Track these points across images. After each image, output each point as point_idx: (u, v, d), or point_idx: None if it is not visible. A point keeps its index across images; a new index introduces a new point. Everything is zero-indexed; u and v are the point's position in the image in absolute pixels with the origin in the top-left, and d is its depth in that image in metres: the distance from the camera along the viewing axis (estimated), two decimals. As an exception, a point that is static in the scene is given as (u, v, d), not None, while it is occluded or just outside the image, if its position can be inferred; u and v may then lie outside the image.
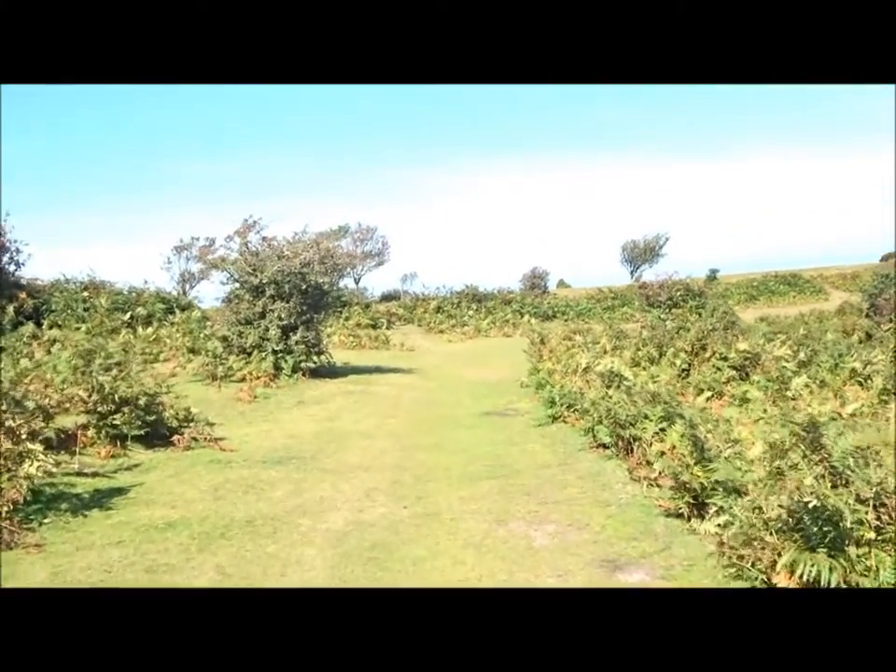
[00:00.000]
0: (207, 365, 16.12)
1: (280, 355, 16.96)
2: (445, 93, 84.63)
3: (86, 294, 26.47)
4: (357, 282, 49.54)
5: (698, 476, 6.68)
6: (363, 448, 10.44)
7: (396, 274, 71.89)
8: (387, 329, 32.38)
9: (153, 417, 9.92)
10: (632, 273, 53.32)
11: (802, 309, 38.11)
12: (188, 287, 42.97)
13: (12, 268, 24.40)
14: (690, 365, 16.95)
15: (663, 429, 9.19)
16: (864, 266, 55.21)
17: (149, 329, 23.99)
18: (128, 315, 25.27)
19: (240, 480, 8.55)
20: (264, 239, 17.42)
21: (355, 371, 19.16)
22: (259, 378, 16.15)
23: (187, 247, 38.39)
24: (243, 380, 16.17)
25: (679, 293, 22.40)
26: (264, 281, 16.74)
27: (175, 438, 9.99)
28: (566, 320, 37.26)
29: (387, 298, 44.24)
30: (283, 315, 16.82)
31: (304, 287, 17.03)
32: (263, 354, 16.92)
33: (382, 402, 14.52)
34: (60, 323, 24.21)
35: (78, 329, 22.91)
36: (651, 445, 8.97)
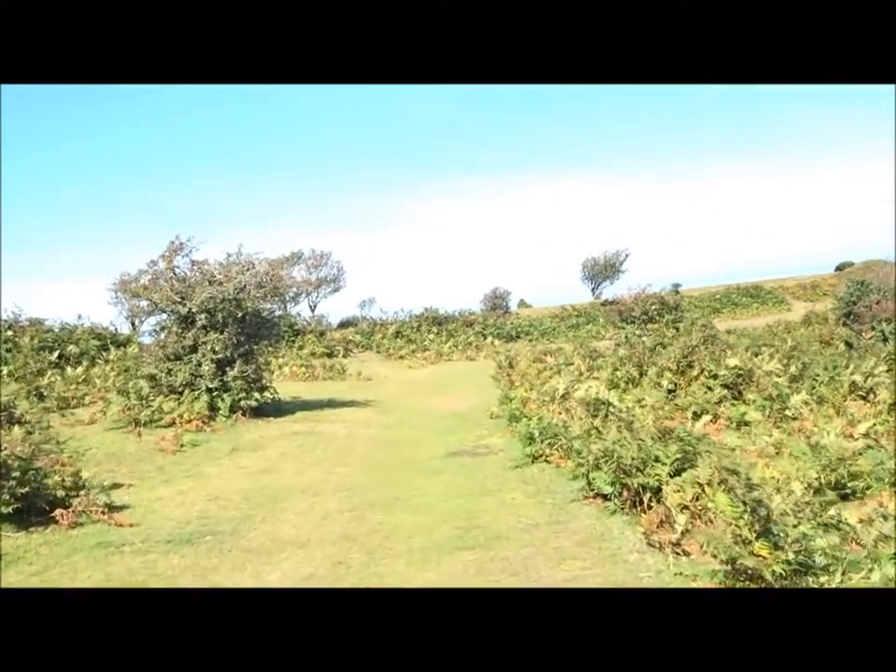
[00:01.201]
0: (128, 409, 13.72)
1: (215, 393, 14.64)
2: (391, 115, 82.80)
3: (10, 333, 23.87)
4: (312, 309, 47.12)
5: (765, 559, 4.55)
6: (302, 512, 8.17)
7: (353, 301, 69.56)
8: (344, 357, 30.05)
9: (26, 489, 7.56)
10: (593, 290, 51.65)
11: (766, 320, 36.79)
12: (137, 321, 40.38)
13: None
14: (676, 385, 14.99)
15: (678, 472, 7.12)
16: (821, 276, 54.57)
17: (79, 369, 21.44)
18: (56, 354, 22.72)
19: (127, 574, 6.25)
20: (194, 263, 15.12)
21: (304, 407, 16.85)
22: (190, 421, 13.81)
23: (134, 280, 35.94)
24: (172, 424, 13.83)
25: (654, 307, 20.53)
26: (193, 310, 14.42)
27: (58, 513, 7.64)
28: (530, 340, 35.36)
29: (345, 325, 41.91)
30: (217, 348, 14.51)
31: (240, 314, 14.75)
32: (196, 393, 14.58)
33: (331, 445, 12.25)
34: (-22, 366, 21.59)
35: (0, 371, 20.35)
36: (666, 496, 6.89)
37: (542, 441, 10.15)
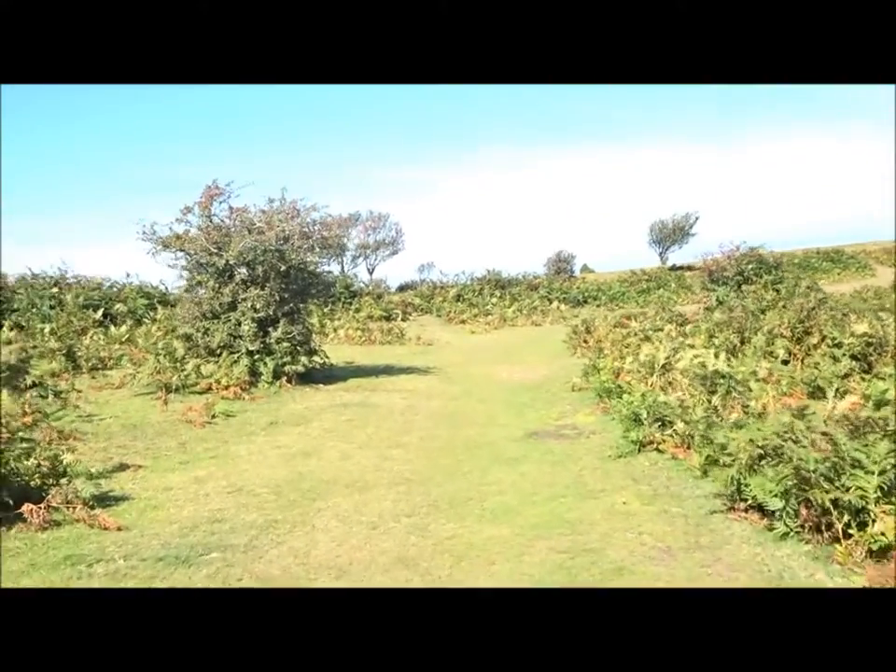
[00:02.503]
0: (159, 372, 11.79)
1: (257, 356, 12.63)
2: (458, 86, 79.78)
3: (55, 290, 22.34)
4: (370, 272, 45.21)
5: None
6: (345, 517, 6.02)
7: (412, 265, 67.41)
8: (402, 320, 27.99)
9: (-17, 477, 5.59)
10: (661, 254, 48.56)
11: (851, 286, 33.46)
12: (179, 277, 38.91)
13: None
14: (791, 354, 12.46)
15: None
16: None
17: (122, 328, 19.76)
18: (100, 312, 21.10)
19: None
20: (232, 210, 13.04)
21: (358, 374, 14.79)
22: (228, 387, 11.84)
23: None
24: (208, 390, 11.88)
25: (750, 267, 17.87)
26: (231, 262, 12.36)
27: (26, 508, 5.65)
28: (598, 305, 32.84)
29: (403, 288, 39.82)
30: (258, 306, 12.46)
31: (284, 268, 12.64)
32: (235, 356, 12.59)
33: (386, 420, 10.10)
34: (22, 323, 20.07)
35: (42, 329, 18.79)
36: (878, 522, 4.56)
37: (651, 424, 7.84)
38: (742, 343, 13.73)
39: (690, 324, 16.79)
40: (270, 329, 12.69)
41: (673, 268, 43.96)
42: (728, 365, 11.08)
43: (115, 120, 66.44)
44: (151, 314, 22.33)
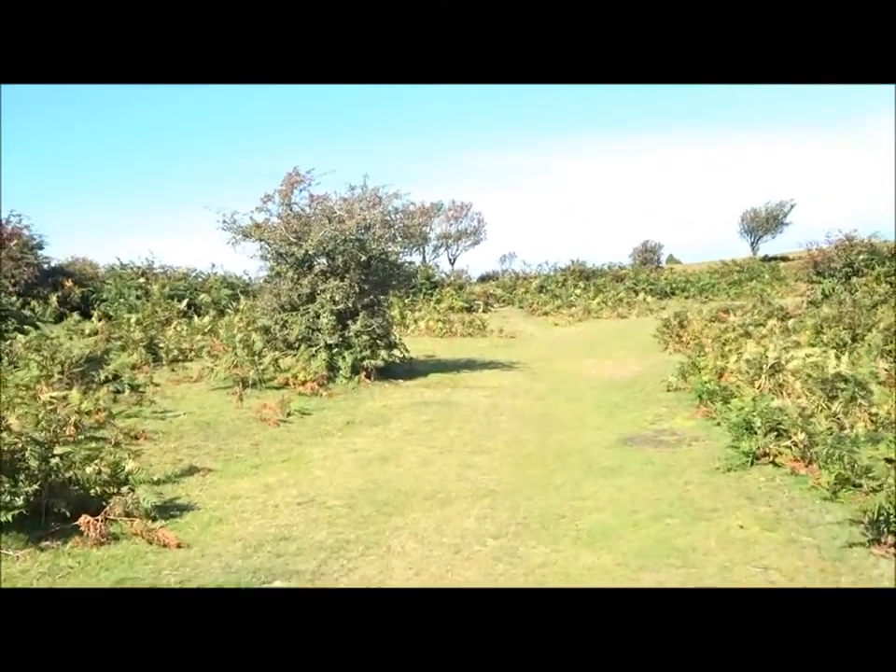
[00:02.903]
0: (236, 366, 11.43)
1: (335, 350, 12.15)
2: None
3: (142, 280, 22.51)
4: (452, 262, 44.61)
5: None
6: (424, 536, 5.38)
7: (494, 256, 66.56)
8: (484, 312, 27.28)
9: (36, 485, 5.17)
10: (752, 244, 46.38)
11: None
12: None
13: (31, 259, 20.34)
14: (917, 355, 11.23)
15: None
16: None
17: (206, 319, 19.68)
18: (184, 302, 21.11)
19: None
20: (313, 198, 12.58)
21: (439, 368, 14.20)
22: (305, 382, 11.39)
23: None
24: (285, 385, 11.47)
25: (861, 258, 16.41)
26: (310, 252, 11.90)
27: (83, 521, 5.21)
28: (686, 297, 31.34)
29: (485, 279, 39.09)
30: (337, 297, 11.97)
31: (365, 258, 12.11)
32: (313, 349, 12.15)
33: (469, 421, 9.44)
34: (111, 313, 20.26)
35: (128, 319, 18.87)
36: None
37: (766, 434, 6.95)
38: (854, 340, 12.54)
39: (793, 318, 15.58)
40: (349, 321, 12.21)
41: (765, 259, 41.92)
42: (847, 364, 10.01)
43: (200, 111, 67.61)
44: (234, 304, 22.26)
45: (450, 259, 44.77)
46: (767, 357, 9.23)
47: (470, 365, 14.72)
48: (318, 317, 12.14)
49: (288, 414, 9.65)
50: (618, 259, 38.21)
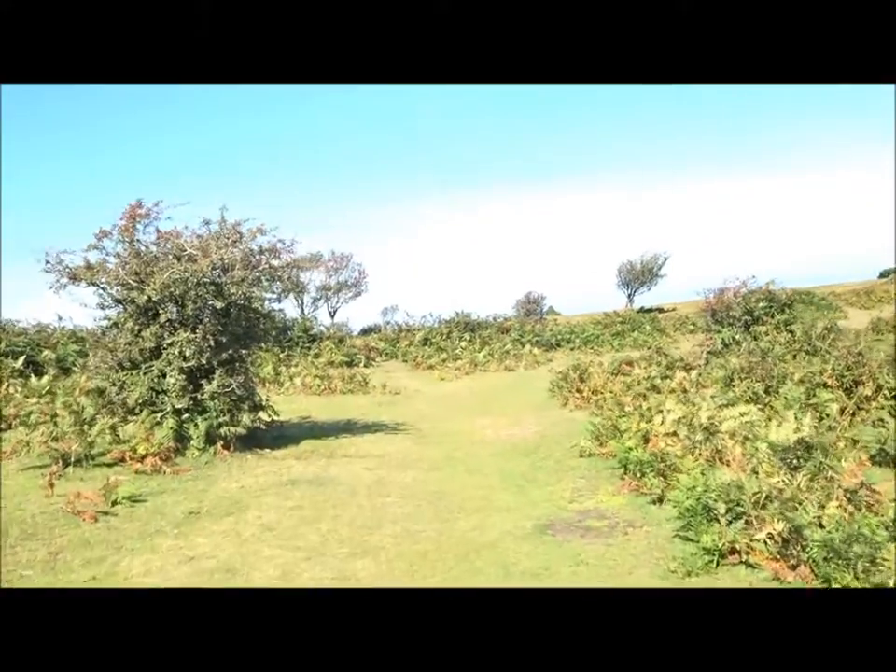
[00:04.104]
0: (55, 439, 9.01)
1: (185, 416, 9.89)
2: (412, 122, 78.16)
3: (-27, 337, 19.33)
4: (332, 315, 42.54)
5: None
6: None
7: (375, 309, 64.67)
8: (366, 366, 25.29)
9: None
10: (629, 296, 46.81)
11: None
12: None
13: None
14: (842, 409, 10.09)
15: None
16: (871, 282, 49.78)
17: (44, 379, 16.79)
18: (21, 360, 18.11)
19: None
20: (160, 235, 10.38)
21: (315, 433, 12.09)
22: (146, 457, 9.07)
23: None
24: (121, 460, 9.13)
25: (761, 305, 15.62)
26: (154, 297, 9.67)
27: None
28: (571, 349, 30.46)
29: (367, 332, 37.16)
30: (188, 353, 9.75)
31: (222, 305, 9.97)
32: (157, 415, 9.85)
33: (348, 507, 7.41)
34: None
35: (-48, 380, 15.77)
36: None
37: (730, 522, 5.33)
38: (767, 392, 11.39)
39: (693, 370, 14.46)
40: (203, 381, 9.99)
41: (642, 310, 42.10)
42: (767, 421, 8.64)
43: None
44: (83, 361, 19.39)
45: (330, 312, 42.78)
46: (699, 416, 7.73)
47: (350, 428, 12.69)
48: (164, 377, 9.88)
49: (114, 503, 7.36)
50: (501, 310, 37.28)
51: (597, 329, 32.72)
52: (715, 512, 5.40)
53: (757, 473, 6.13)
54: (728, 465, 7.25)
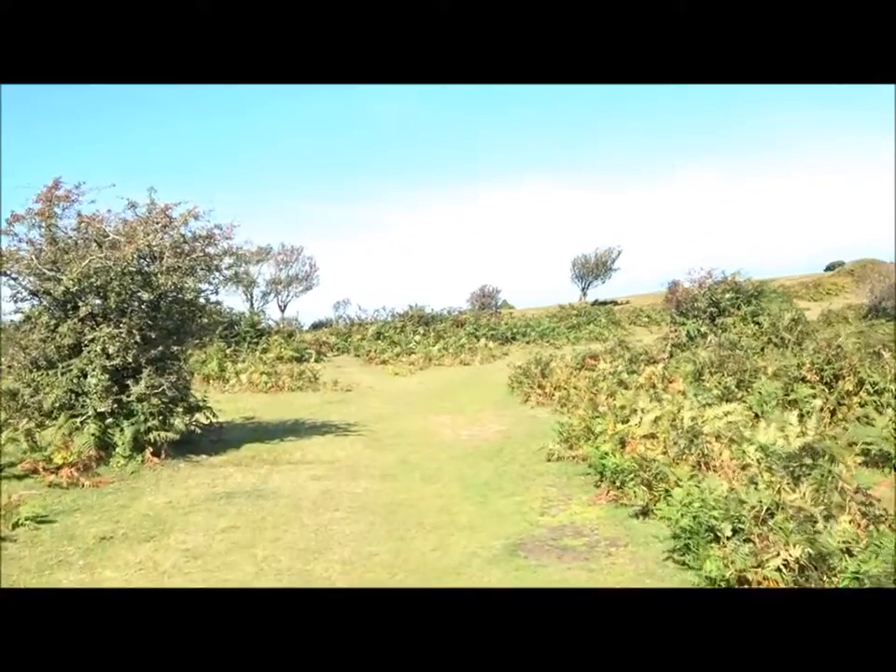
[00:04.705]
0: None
1: (109, 420, 8.79)
2: (368, 118, 76.82)
3: None
4: (282, 309, 41.14)
5: None
6: None
7: (327, 303, 63.26)
8: (316, 361, 24.16)
9: None
10: (583, 289, 46.36)
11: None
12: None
13: None
14: (823, 406, 9.43)
15: None
16: (816, 276, 50.31)
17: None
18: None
19: None
20: (81, 218, 9.22)
21: (258, 435, 11.05)
22: (62, 468, 7.98)
23: None
24: (34, 472, 8.02)
25: (727, 297, 14.97)
26: (72, 289, 8.53)
27: None
28: (527, 342, 29.73)
29: (318, 326, 35.93)
30: (111, 350, 8.63)
31: (150, 296, 8.88)
32: (77, 420, 8.73)
33: (291, 524, 6.43)
34: None
35: None
36: None
37: (740, 545, 4.51)
38: (739, 387, 10.72)
39: (658, 363, 13.77)
40: (129, 381, 8.88)
41: (596, 303, 41.70)
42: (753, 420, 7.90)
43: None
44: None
45: (280, 306, 41.34)
46: (681, 417, 6.93)
47: (297, 429, 11.66)
48: (85, 377, 8.75)
49: (16, 525, 6.30)
50: (456, 303, 36.42)
51: (553, 322, 32.06)
52: (719, 533, 4.57)
53: (756, 483, 5.33)
54: (715, 471, 6.49)
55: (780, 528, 4.65)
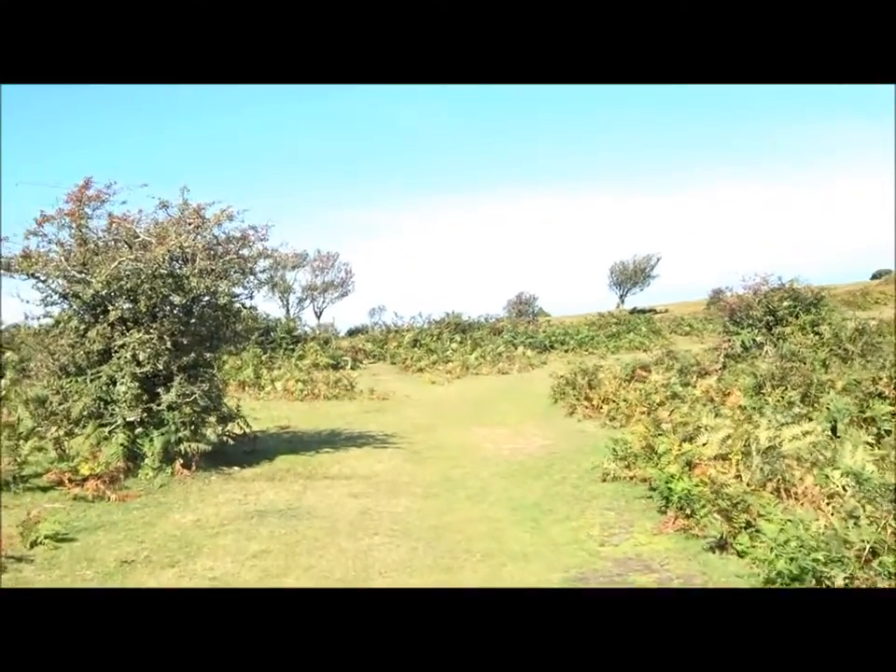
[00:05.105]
0: (-22, 460, 7.43)
1: (140, 430, 8.34)
2: (407, 126, 76.68)
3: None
4: (318, 315, 40.91)
5: None
6: None
7: (363, 310, 62.94)
8: (352, 369, 23.69)
9: None
10: (621, 297, 45.45)
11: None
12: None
13: None
14: (898, 423, 8.65)
15: None
16: (863, 284, 48.90)
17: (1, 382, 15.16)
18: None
19: None
20: (112, 219, 8.80)
21: (293, 446, 10.55)
22: (88, 479, 7.53)
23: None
24: (60, 483, 7.59)
25: (785, 305, 14.14)
26: (101, 291, 8.10)
27: None
28: (566, 350, 28.98)
29: (353, 333, 35.55)
30: (142, 356, 8.19)
31: (183, 300, 8.42)
32: (106, 429, 8.29)
33: (327, 549, 5.84)
34: None
35: None
36: None
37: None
38: (803, 400, 9.96)
39: (710, 375, 13.03)
40: (160, 389, 8.42)
41: (634, 311, 40.80)
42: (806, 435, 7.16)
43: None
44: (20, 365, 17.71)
45: (316, 312, 41.13)
46: (759, 438, 6.25)
47: (334, 440, 11.15)
48: (114, 384, 8.31)
49: (34, 544, 5.83)
50: (492, 311, 35.81)
51: (592, 330, 31.24)
52: (827, 582, 3.91)
53: (857, 518, 4.64)
54: (797, 499, 5.80)
55: (890, 572, 3.99)
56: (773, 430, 6.37)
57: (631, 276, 44.45)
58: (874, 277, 52.83)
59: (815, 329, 13.98)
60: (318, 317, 40.38)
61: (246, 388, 18.48)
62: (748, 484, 5.94)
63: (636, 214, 76.59)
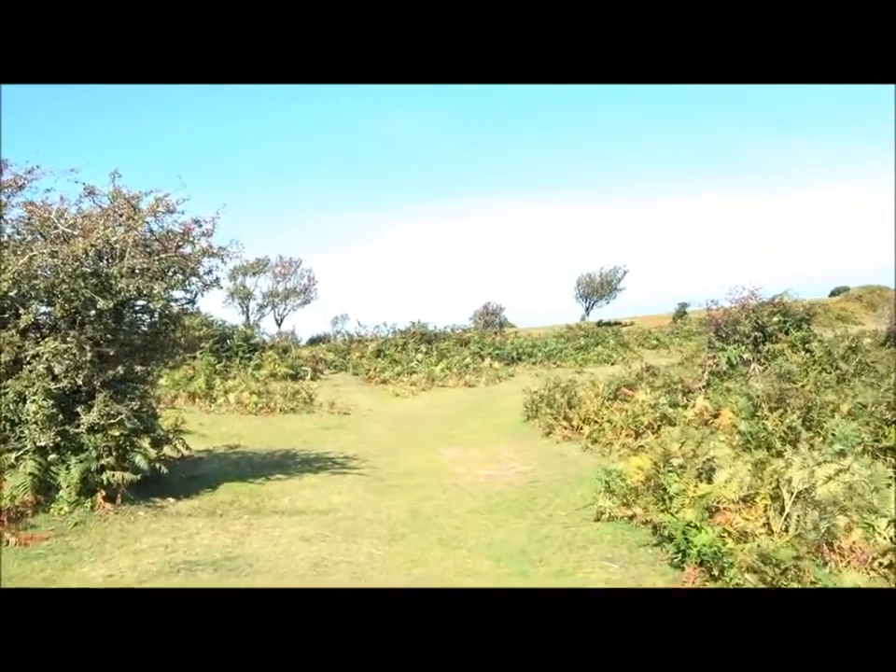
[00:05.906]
0: None
1: (53, 456, 6.99)
2: (373, 133, 75.33)
3: None
4: (279, 323, 39.37)
5: None
6: None
7: (325, 317, 61.24)
8: (312, 379, 22.35)
9: None
10: (587, 309, 44.66)
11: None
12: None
13: None
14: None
15: None
16: (821, 301, 48.92)
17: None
18: None
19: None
20: (31, 208, 7.45)
21: (240, 471, 9.24)
22: (-14, 519, 6.18)
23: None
24: (-48, 522, 6.22)
25: (775, 320, 13.23)
26: (9, 291, 6.76)
27: None
28: (533, 363, 27.96)
29: (315, 342, 34.12)
30: (57, 369, 6.86)
31: (107, 303, 7.09)
32: (12, 456, 6.93)
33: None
34: None
35: None
36: None
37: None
38: (804, 424, 8.98)
39: (693, 392, 12.02)
40: (80, 408, 7.09)
41: (600, 324, 40.03)
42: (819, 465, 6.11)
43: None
44: None
45: (277, 320, 39.58)
46: (793, 479, 5.17)
47: (287, 464, 9.86)
48: (24, 402, 6.96)
49: None
50: (458, 321, 34.68)
51: (560, 342, 30.30)
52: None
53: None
54: (842, 555, 4.72)
55: None
56: (808, 470, 5.31)
57: (597, 289, 43.69)
58: (832, 294, 52.92)
59: (805, 346, 13.08)
60: (279, 325, 38.87)
61: (197, 400, 17.06)
62: (779, 536, 4.84)
63: (599, 226, 76.07)
